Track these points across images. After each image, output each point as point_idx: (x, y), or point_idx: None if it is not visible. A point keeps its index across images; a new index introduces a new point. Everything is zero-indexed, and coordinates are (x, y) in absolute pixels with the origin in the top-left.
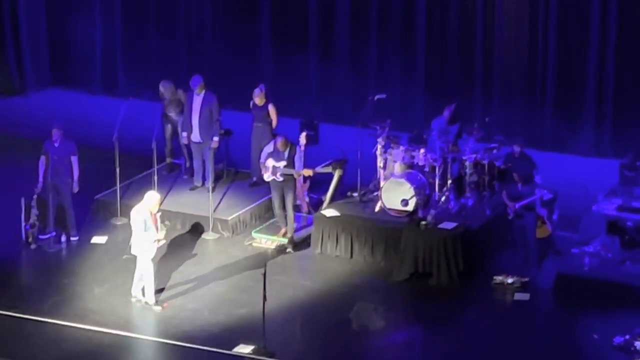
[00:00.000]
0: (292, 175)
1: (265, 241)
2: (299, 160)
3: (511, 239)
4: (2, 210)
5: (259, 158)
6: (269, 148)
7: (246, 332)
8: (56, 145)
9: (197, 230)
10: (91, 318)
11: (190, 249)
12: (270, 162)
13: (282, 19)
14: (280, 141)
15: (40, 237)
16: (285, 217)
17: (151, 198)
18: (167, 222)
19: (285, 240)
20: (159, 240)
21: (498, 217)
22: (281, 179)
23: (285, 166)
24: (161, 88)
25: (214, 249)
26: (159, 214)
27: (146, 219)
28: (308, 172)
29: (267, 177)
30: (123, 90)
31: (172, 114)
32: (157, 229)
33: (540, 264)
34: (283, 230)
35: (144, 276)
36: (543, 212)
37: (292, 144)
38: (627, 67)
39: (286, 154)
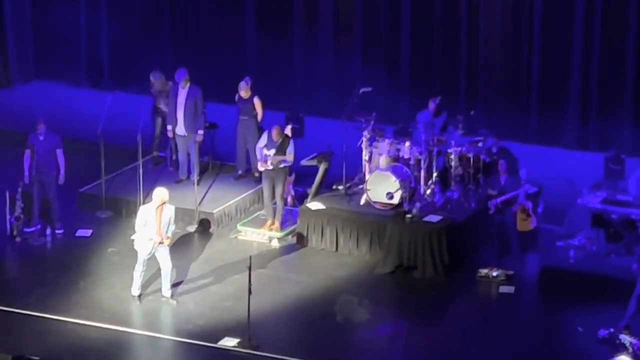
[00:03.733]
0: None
1: (251, 234)
2: (290, 150)
3: (490, 233)
4: None
5: (245, 151)
6: (261, 142)
7: (231, 325)
8: (41, 138)
9: (183, 223)
10: (76, 311)
11: (175, 242)
12: (264, 152)
13: (267, 12)
14: (275, 129)
15: (25, 230)
16: (273, 208)
17: (154, 194)
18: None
19: (274, 233)
20: (155, 242)
21: (483, 211)
22: (271, 167)
23: (275, 154)
24: (152, 78)
25: (199, 242)
26: (169, 212)
27: (147, 216)
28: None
29: (261, 167)
30: (108, 83)
31: (162, 105)
32: (159, 226)
33: (525, 257)
34: (269, 222)
35: (136, 269)
36: (529, 204)
37: (286, 136)
38: (611, 61)
39: (278, 143)
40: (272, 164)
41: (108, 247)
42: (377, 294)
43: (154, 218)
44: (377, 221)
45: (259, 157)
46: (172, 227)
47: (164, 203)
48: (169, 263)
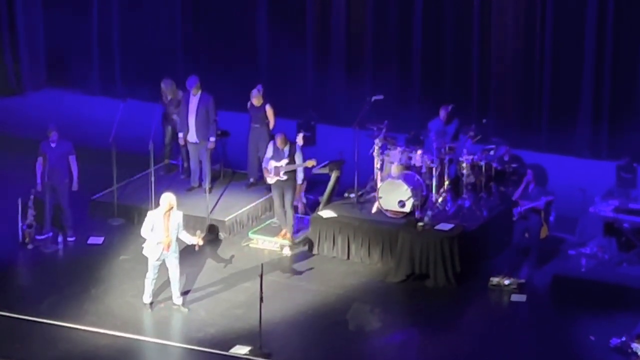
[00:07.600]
0: (293, 173)
1: (263, 241)
2: (298, 157)
3: (513, 240)
4: None
5: (256, 159)
6: (268, 152)
7: (243, 333)
8: (53, 145)
9: (194, 230)
10: (87, 319)
11: (187, 250)
12: (272, 164)
13: (280, 20)
14: (279, 138)
15: (37, 237)
16: (285, 216)
17: (162, 199)
18: (198, 232)
19: (286, 241)
20: (167, 245)
21: (495, 219)
22: (285, 177)
23: (287, 164)
24: (163, 86)
25: (210, 249)
26: (177, 217)
27: (155, 221)
28: (312, 163)
29: (271, 179)
30: (120, 90)
31: (173, 113)
32: (168, 232)
33: (538, 265)
34: (284, 231)
35: (147, 276)
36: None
37: (291, 142)
38: (623, 69)
39: (286, 151)
40: (285, 174)
41: (120, 255)
42: (388, 303)
43: (162, 223)
44: (388, 229)
45: (265, 166)
46: (183, 233)
47: (171, 208)
48: (177, 271)
